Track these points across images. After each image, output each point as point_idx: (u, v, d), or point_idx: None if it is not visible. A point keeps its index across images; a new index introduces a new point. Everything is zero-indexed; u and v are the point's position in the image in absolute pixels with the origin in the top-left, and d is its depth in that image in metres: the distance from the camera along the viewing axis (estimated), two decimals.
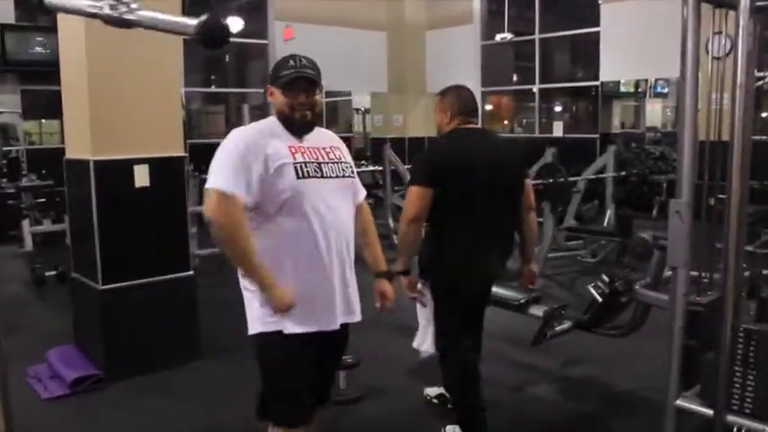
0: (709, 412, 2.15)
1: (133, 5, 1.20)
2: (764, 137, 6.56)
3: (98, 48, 3.49)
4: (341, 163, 2.22)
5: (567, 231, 6.74)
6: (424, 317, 3.25)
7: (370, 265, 2.42)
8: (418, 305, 2.92)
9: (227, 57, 12.21)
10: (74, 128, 3.83)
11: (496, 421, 3.02)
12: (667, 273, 2.90)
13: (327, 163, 2.16)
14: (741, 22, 2.06)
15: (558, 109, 12.50)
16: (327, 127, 2.76)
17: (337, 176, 2.18)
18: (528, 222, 2.97)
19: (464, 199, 2.70)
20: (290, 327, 2.10)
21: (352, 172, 2.27)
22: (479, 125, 3.09)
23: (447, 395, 3.16)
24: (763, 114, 7.96)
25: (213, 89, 12.47)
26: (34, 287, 5.84)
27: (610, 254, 6.55)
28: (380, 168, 7.93)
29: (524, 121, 12.38)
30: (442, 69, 10.83)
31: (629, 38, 8.73)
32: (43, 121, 10.29)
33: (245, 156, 2.03)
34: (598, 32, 9.31)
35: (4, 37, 8.75)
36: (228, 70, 12.65)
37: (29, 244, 7.29)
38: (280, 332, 2.10)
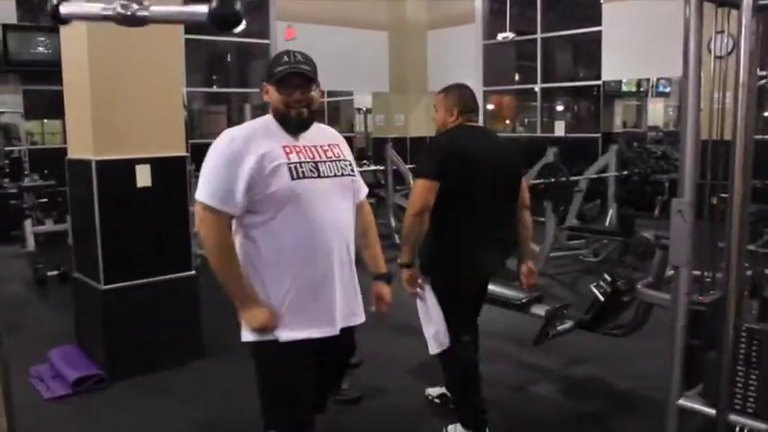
0: (712, 412, 2.15)
1: (145, 2, 1.20)
2: (767, 136, 6.53)
3: (100, 48, 3.50)
4: (339, 161, 2.14)
5: (568, 231, 6.73)
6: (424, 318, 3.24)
7: (369, 267, 2.38)
8: (419, 306, 2.91)
9: (229, 57, 12.21)
10: (76, 128, 3.83)
11: (498, 421, 3.02)
12: (669, 272, 2.90)
13: (325, 162, 2.10)
14: (744, 21, 2.06)
15: (559, 108, 12.50)
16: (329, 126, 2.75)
17: (335, 175, 2.10)
18: (523, 220, 2.99)
19: (466, 195, 2.71)
20: (286, 334, 2.04)
21: (352, 170, 2.19)
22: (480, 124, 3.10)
23: (449, 395, 3.16)
24: (766, 113, 7.92)
25: (215, 89, 12.46)
26: (36, 287, 5.85)
27: (612, 253, 6.54)
28: (382, 168, 7.93)
29: (526, 120, 12.37)
30: (443, 69, 10.82)
31: (631, 37, 8.72)
32: (45, 121, 10.30)
33: (234, 159, 1.97)
34: (600, 32, 9.29)
35: (6, 37, 8.76)
36: (230, 70, 12.65)
37: (31, 244, 7.31)
38: (275, 341, 2.04)
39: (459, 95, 2.86)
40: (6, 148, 8.85)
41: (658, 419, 2.31)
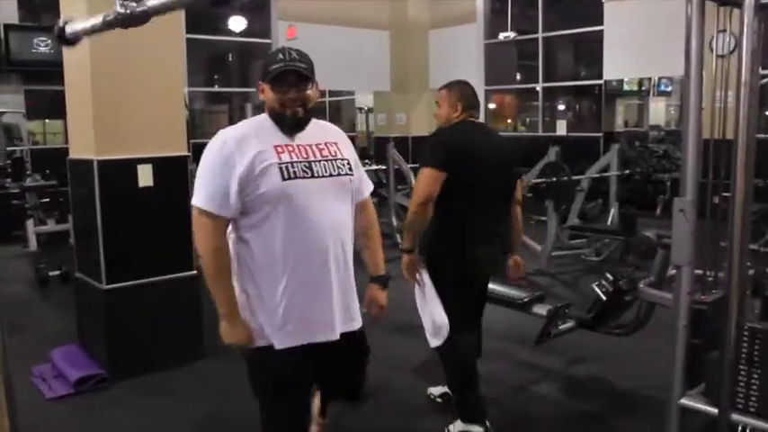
0: (714, 411, 2.14)
1: None
2: None
3: (101, 48, 3.49)
4: (335, 160, 2.07)
5: (570, 230, 6.73)
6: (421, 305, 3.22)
7: (368, 268, 2.33)
8: (417, 293, 2.90)
9: (230, 56, 12.23)
10: (77, 128, 3.83)
11: (499, 420, 3.02)
12: (671, 271, 2.90)
13: (319, 161, 2.03)
14: (746, 20, 2.06)
15: (561, 107, 12.51)
16: None
17: (330, 175, 2.03)
18: (515, 215, 3.04)
19: (469, 188, 2.74)
20: (281, 341, 2.00)
21: (350, 169, 2.11)
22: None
23: (451, 394, 3.16)
24: None
25: (216, 89, 12.48)
26: (38, 287, 5.85)
27: (614, 252, 6.54)
28: (384, 167, 7.92)
29: (528, 119, 12.38)
30: (445, 68, 10.80)
31: (633, 36, 8.71)
32: (47, 120, 10.32)
33: (226, 162, 1.94)
34: (601, 31, 9.28)
35: (7, 37, 8.78)
36: (231, 70, 12.66)
37: (33, 244, 7.32)
38: (270, 347, 2.01)
39: (462, 92, 2.89)
40: (8, 148, 8.88)
41: (660, 419, 2.30)
